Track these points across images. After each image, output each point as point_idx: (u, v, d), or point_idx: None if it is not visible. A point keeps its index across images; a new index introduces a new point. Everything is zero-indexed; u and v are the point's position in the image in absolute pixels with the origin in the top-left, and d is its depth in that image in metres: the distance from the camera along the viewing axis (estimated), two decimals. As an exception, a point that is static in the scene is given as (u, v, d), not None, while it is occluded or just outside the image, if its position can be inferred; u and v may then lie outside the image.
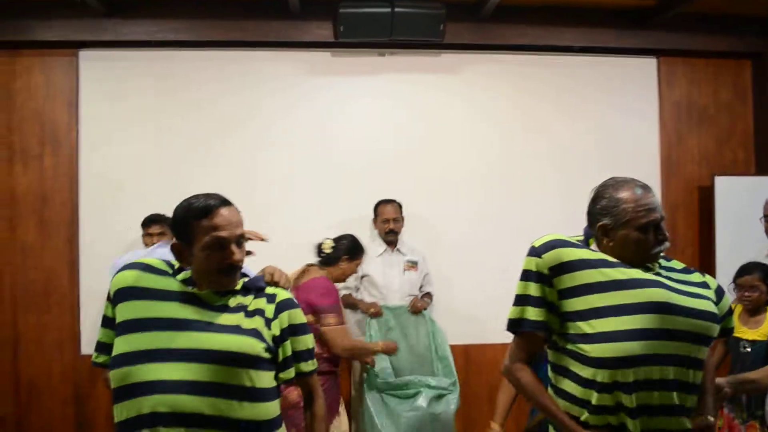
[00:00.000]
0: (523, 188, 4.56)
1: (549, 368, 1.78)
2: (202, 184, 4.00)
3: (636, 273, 1.65)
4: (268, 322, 1.66)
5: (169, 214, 3.93)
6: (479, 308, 4.41)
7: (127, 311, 1.61)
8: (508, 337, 1.79)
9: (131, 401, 1.51)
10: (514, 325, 1.73)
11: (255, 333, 1.61)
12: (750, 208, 4.45)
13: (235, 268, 1.63)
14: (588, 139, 4.63)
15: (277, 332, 1.66)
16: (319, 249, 3.26)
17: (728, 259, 4.10)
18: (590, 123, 4.65)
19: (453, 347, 4.29)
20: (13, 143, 4.27)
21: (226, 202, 1.65)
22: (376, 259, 4.12)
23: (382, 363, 3.66)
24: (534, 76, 4.60)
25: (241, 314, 1.63)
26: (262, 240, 2.24)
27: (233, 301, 1.66)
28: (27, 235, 4.26)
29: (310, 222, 4.24)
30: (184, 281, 1.66)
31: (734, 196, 4.45)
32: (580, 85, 4.65)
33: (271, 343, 1.64)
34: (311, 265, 3.21)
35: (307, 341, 1.74)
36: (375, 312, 3.89)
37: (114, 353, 1.58)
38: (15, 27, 4.18)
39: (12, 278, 4.25)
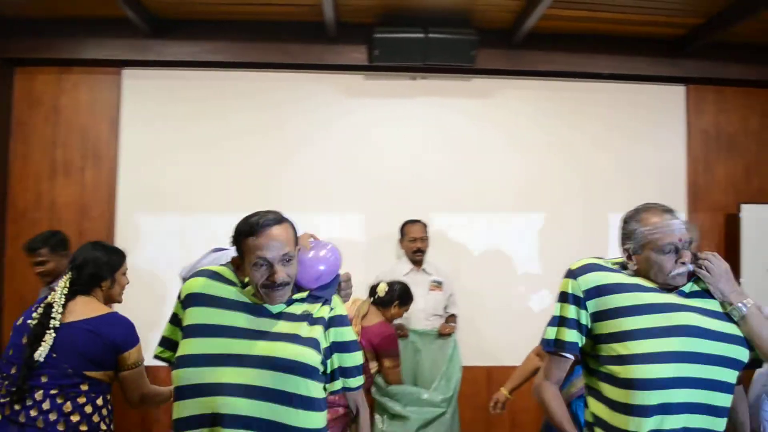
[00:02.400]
0: (550, 212, 4.62)
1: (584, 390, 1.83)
2: (236, 200, 4.21)
3: (668, 297, 1.69)
4: (325, 332, 1.73)
5: (201, 228, 4.08)
6: (503, 331, 4.46)
7: (194, 316, 1.69)
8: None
9: (193, 401, 1.59)
10: (548, 344, 1.80)
11: (314, 343, 1.68)
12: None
13: (277, 287, 1.67)
14: (616, 164, 4.68)
15: (328, 344, 1.74)
16: (373, 290, 3.57)
17: (754, 287, 4.11)
18: (619, 149, 4.70)
19: (476, 369, 4.34)
20: (57, 157, 4.44)
21: (278, 221, 1.70)
22: (402, 279, 4.18)
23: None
24: (564, 102, 4.67)
25: (305, 323, 1.70)
26: None
27: (299, 308, 1.73)
28: (66, 245, 4.41)
29: (339, 241, 4.32)
30: (249, 290, 1.74)
31: (761, 224, 4.46)
32: (609, 111, 4.71)
33: (322, 354, 1.71)
34: (372, 304, 3.54)
35: (356, 358, 1.80)
36: (402, 334, 3.94)
37: (179, 354, 1.67)
38: (63, 45, 4.36)
39: (50, 287, 4.39)
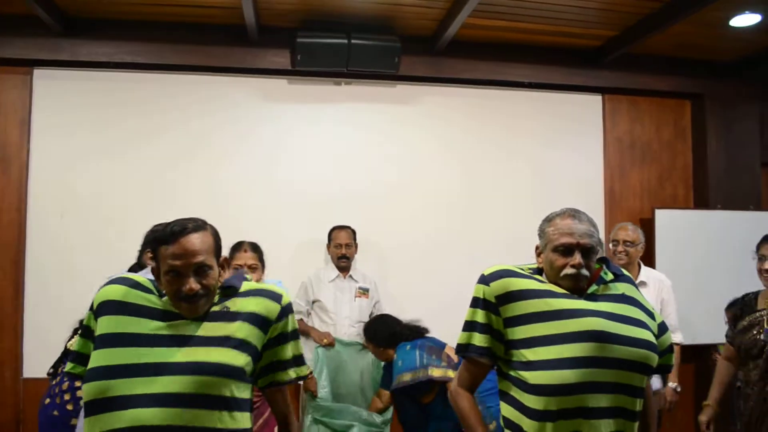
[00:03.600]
0: (473, 217, 4.68)
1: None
2: (155, 206, 4.10)
3: (578, 303, 1.71)
4: (267, 324, 1.66)
5: (117, 235, 3.94)
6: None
7: (108, 325, 1.60)
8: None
9: (107, 415, 1.50)
10: (461, 349, 1.82)
11: (241, 344, 1.61)
12: (688, 240, 4.68)
13: (191, 297, 1.59)
14: (535, 170, 4.80)
15: (273, 336, 1.67)
16: None
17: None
18: (540, 156, 4.82)
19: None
20: (-39, 161, 4.20)
21: (196, 229, 1.62)
22: (328, 285, 4.15)
23: (322, 391, 3.68)
24: (485, 110, 4.76)
25: (224, 322, 1.62)
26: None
27: (217, 308, 1.65)
28: (-29, 253, 4.17)
29: (264, 246, 4.25)
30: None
31: (673, 228, 4.66)
32: (528, 119, 4.83)
33: (260, 347, 1.64)
34: None
35: (300, 347, 1.76)
36: (328, 342, 3.88)
37: (91, 366, 1.56)
38: (-32, 43, 4.15)
39: (-47, 298, 4.14)
